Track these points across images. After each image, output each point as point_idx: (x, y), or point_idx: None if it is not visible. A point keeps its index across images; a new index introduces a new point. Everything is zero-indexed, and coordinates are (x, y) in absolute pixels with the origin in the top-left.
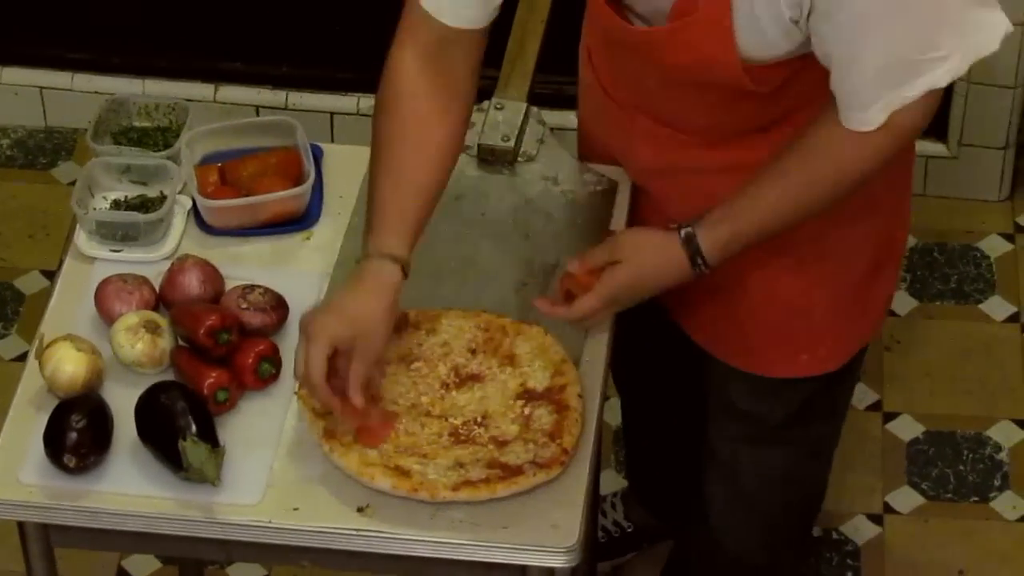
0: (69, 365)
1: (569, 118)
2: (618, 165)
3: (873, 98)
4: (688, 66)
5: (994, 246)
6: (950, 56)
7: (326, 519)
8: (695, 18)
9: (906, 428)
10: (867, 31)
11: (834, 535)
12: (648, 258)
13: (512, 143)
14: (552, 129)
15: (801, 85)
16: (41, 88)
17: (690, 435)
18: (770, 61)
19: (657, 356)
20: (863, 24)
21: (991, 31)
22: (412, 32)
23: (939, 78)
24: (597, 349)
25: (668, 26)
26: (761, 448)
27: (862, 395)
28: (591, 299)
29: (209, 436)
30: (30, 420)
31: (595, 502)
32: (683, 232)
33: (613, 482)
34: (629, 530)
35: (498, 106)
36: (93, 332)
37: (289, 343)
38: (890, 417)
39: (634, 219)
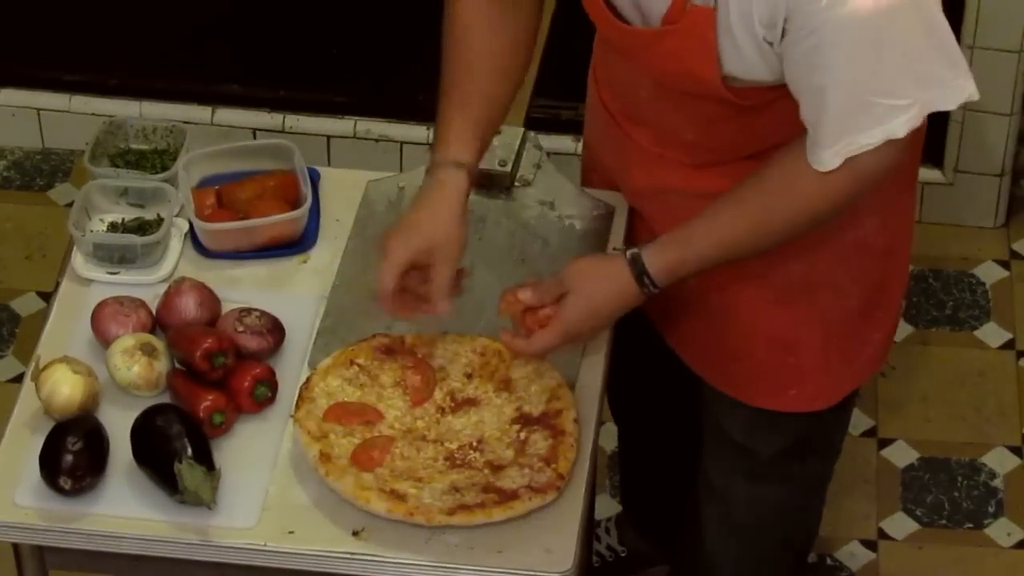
0: (65, 387)
1: (566, 143)
2: (618, 190)
3: (832, 139)
4: (673, 74)
5: (989, 273)
6: (911, 107)
7: (321, 543)
8: (680, 26)
9: (901, 454)
10: (835, 63)
11: (828, 561)
12: (596, 285)
13: (509, 168)
14: (549, 154)
15: (788, 114)
16: (39, 110)
17: (686, 463)
18: (750, 83)
19: (654, 383)
20: (832, 55)
21: (954, 93)
22: None
23: (897, 127)
24: (593, 374)
25: (655, 29)
26: (756, 482)
27: (857, 421)
28: (548, 335)
29: (205, 459)
30: (26, 442)
31: (590, 527)
32: (628, 254)
33: (608, 507)
34: (623, 555)
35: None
36: (89, 354)
37: (285, 366)
38: (885, 443)
39: (630, 243)
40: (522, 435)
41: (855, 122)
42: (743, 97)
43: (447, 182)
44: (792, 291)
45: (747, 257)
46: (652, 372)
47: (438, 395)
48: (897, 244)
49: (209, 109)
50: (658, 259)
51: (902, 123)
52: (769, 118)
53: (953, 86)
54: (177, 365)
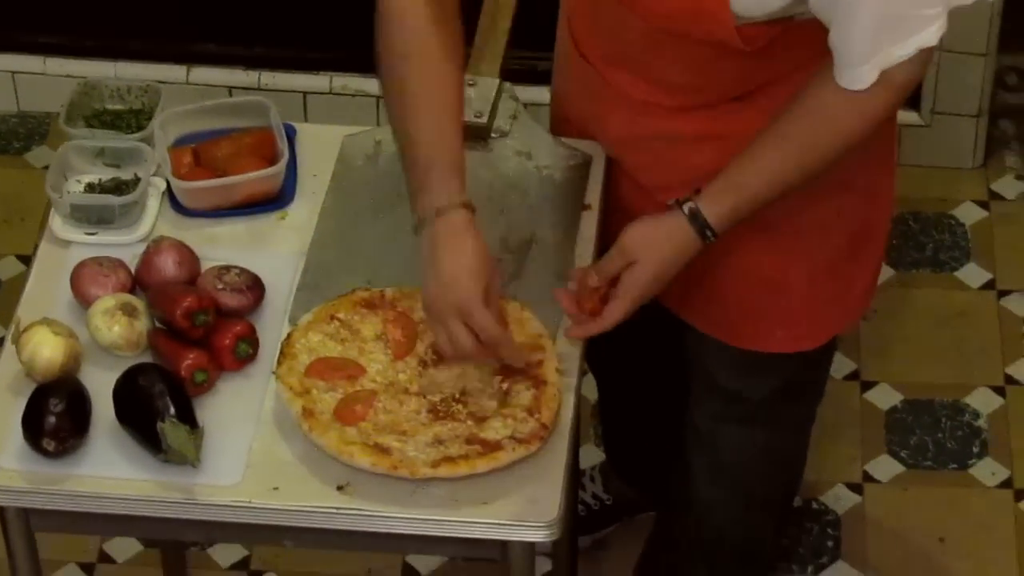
0: (46, 349)
1: (543, 93)
2: (591, 139)
3: (867, 55)
4: (676, 16)
5: (969, 214)
6: (940, 14)
7: (306, 498)
8: None
9: (884, 397)
10: None
11: (814, 505)
12: (662, 249)
13: (485, 119)
14: (525, 105)
15: (785, 50)
16: (13, 73)
17: (667, 409)
18: (762, 18)
19: (632, 331)
20: None
21: None
22: None
23: (930, 36)
24: None
25: None
26: (743, 426)
27: (840, 365)
28: (621, 305)
29: (188, 418)
30: (8, 405)
31: (575, 477)
32: (686, 208)
33: (593, 456)
34: (608, 503)
35: (471, 82)
36: (70, 316)
37: (266, 323)
38: (868, 386)
39: (608, 192)
40: (505, 386)
41: (890, 35)
42: (748, 41)
43: (457, 225)
44: (778, 233)
45: (794, 191)
46: (630, 321)
47: (420, 348)
48: (880, 185)
49: (184, 68)
50: (716, 209)
51: (934, 32)
52: (762, 58)
53: None
54: (158, 324)
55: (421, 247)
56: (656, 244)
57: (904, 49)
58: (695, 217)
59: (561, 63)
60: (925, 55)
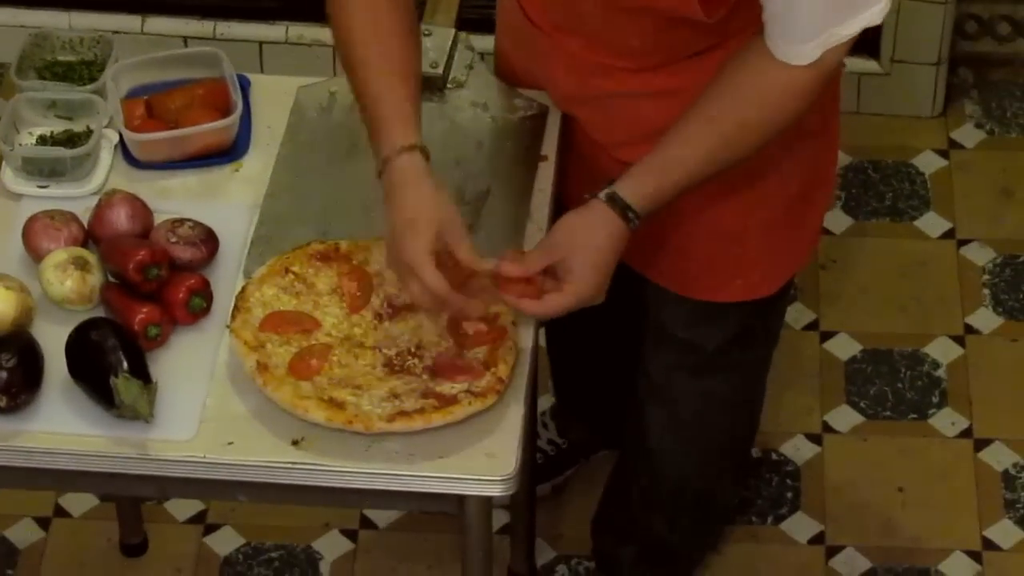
0: None
1: None
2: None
3: (813, 32)
4: None
5: (928, 162)
6: None
7: (261, 453)
8: None
9: (843, 347)
10: None
11: (773, 456)
12: (590, 235)
13: (441, 70)
14: (481, 55)
15: (743, 12)
16: None
17: (619, 352)
18: None
19: None
20: None
21: None
22: None
23: (875, 15)
24: None
25: None
26: (699, 376)
27: (799, 315)
28: (562, 298)
29: (141, 372)
30: None
31: (532, 430)
32: (604, 195)
33: (545, 402)
34: (564, 447)
35: (426, 32)
36: (21, 270)
37: (220, 276)
38: (827, 336)
39: (565, 143)
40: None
41: (837, 15)
42: (710, 11)
43: (411, 169)
44: (735, 182)
45: (726, 171)
46: None
47: (375, 301)
48: (829, 125)
49: (139, 18)
50: (637, 192)
51: (878, 11)
52: (720, 22)
53: None
54: (111, 278)
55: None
56: (585, 232)
57: (849, 28)
58: (614, 200)
59: (505, 22)
60: (857, 35)
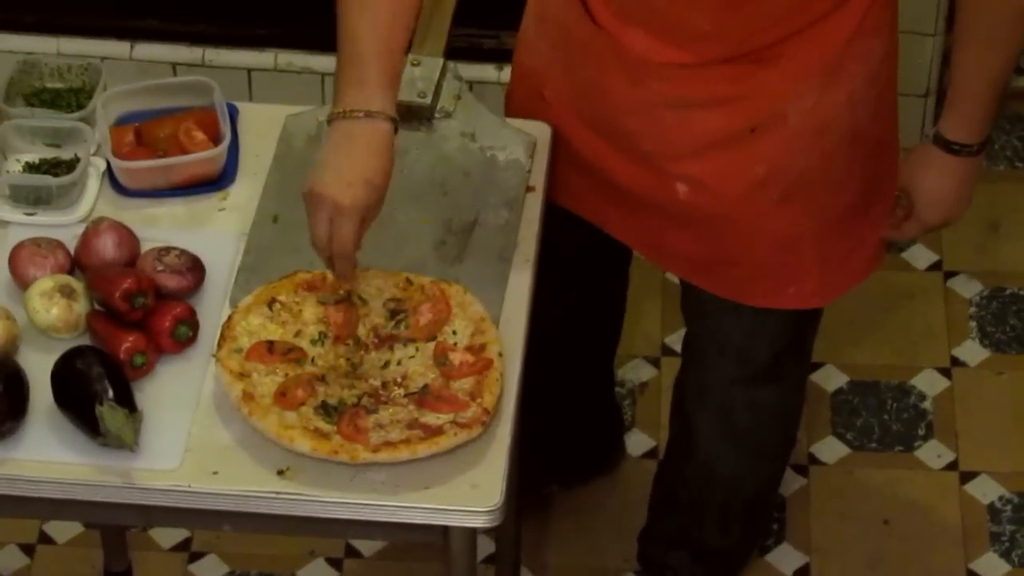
0: None
1: (487, 72)
2: (538, 120)
3: None
4: None
5: None
6: None
7: (246, 483)
8: None
9: (830, 378)
10: None
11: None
12: (933, 179)
13: (429, 100)
14: (470, 84)
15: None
16: None
17: (593, 366)
18: None
19: (580, 268)
20: None
21: None
22: None
23: None
24: (517, 306)
25: None
26: (754, 386)
27: None
28: (915, 226)
29: (126, 401)
30: None
31: (518, 461)
32: (931, 135)
33: None
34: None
35: (414, 62)
36: (7, 297)
37: (206, 305)
38: (814, 368)
39: (555, 172)
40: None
41: None
42: None
43: (379, 132)
44: (791, 190)
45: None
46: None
47: (361, 331)
48: (888, 138)
49: (128, 44)
50: (956, 123)
51: None
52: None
53: None
54: (96, 306)
55: (329, 135)
56: (923, 174)
57: None
58: (938, 140)
59: (537, 35)
60: None
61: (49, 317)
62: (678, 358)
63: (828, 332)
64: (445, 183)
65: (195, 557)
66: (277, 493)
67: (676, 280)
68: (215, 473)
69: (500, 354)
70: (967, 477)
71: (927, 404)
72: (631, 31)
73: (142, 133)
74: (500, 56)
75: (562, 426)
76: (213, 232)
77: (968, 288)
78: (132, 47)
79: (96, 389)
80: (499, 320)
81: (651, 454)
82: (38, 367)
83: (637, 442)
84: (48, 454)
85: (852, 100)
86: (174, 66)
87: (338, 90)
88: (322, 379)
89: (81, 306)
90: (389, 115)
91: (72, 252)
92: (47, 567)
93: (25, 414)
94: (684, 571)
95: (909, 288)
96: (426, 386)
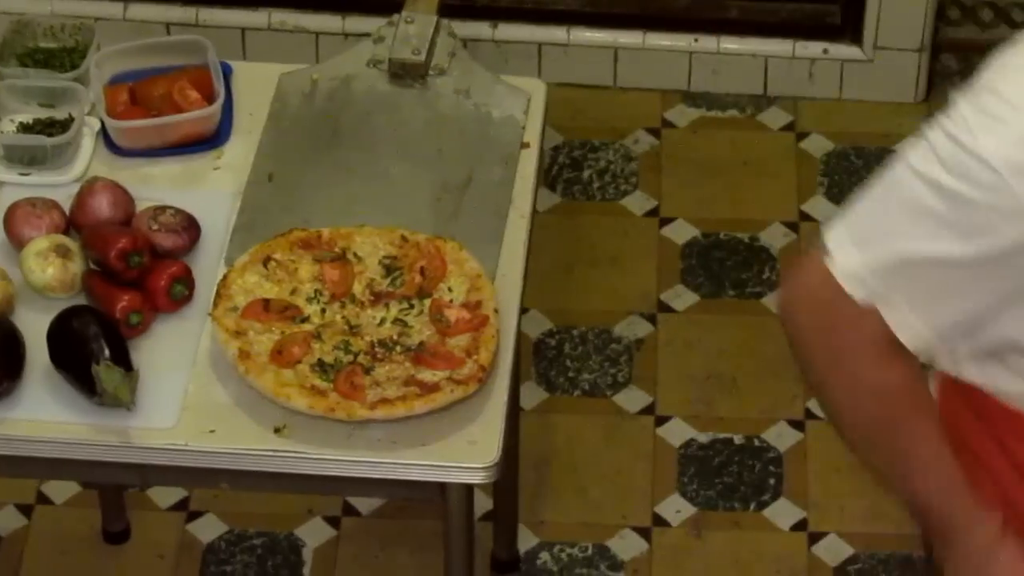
0: None
1: (481, 29)
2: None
3: None
4: None
5: None
6: None
7: (243, 441)
8: None
9: None
10: None
11: (756, 442)
12: None
13: (423, 57)
14: (464, 41)
15: None
16: None
17: None
18: None
19: None
20: None
21: None
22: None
23: None
24: (512, 263)
25: None
26: None
27: None
28: None
29: (122, 360)
30: None
31: (514, 417)
32: None
33: (533, 395)
34: None
35: (408, 20)
36: (3, 257)
37: (202, 264)
38: None
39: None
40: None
41: None
42: None
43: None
44: None
45: None
46: None
47: (357, 288)
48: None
49: (121, 4)
50: None
51: None
52: None
53: None
54: (92, 266)
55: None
56: None
57: None
58: None
59: None
60: None
61: (45, 277)
62: (673, 314)
63: None
64: (440, 140)
65: (193, 516)
66: (274, 451)
67: (671, 238)
68: (212, 431)
69: (496, 310)
70: None
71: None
72: None
73: (136, 92)
74: (494, 13)
75: None
76: (208, 191)
77: None
78: (126, 7)
79: (92, 348)
80: (495, 276)
81: (648, 410)
82: (34, 327)
83: (634, 399)
84: (45, 414)
85: None
86: (167, 26)
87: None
88: (318, 337)
89: (77, 266)
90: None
91: (67, 212)
92: (45, 527)
93: (21, 374)
94: None
95: None
96: (422, 343)
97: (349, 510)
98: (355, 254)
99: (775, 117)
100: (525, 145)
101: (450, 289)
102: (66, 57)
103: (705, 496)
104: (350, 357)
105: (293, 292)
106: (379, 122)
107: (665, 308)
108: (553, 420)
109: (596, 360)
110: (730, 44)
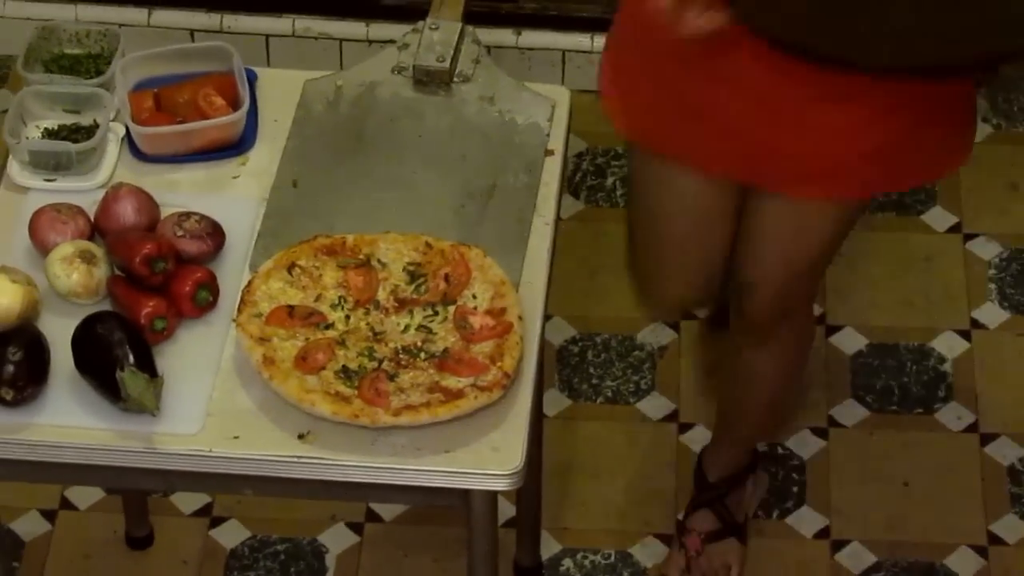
0: (4, 297)
1: (505, 36)
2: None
3: None
4: None
5: None
6: None
7: (267, 447)
8: None
9: (849, 341)
10: None
11: (779, 450)
12: None
13: (447, 64)
14: (488, 49)
15: None
16: None
17: None
18: None
19: None
20: None
21: None
22: None
23: None
24: (536, 270)
25: None
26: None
27: None
28: None
29: (147, 366)
30: None
31: (537, 424)
32: None
33: (557, 402)
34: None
35: (433, 26)
36: (28, 263)
37: (226, 270)
38: (833, 330)
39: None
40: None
41: None
42: None
43: None
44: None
45: None
46: None
47: (381, 295)
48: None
49: (146, 11)
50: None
51: None
52: None
53: None
54: (117, 272)
55: None
56: None
57: None
58: None
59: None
60: None
61: (70, 282)
62: (697, 321)
63: (847, 295)
64: (464, 147)
65: (216, 522)
66: (298, 457)
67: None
68: (236, 437)
69: (520, 317)
70: (987, 439)
71: (947, 366)
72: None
73: (161, 98)
74: (518, 21)
75: None
76: (232, 197)
77: (987, 250)
78: (150, 13)
79: (117, 354)
80: (519, 283)
81: (671, 417)
82: (59, 333)
83: (657, 406)
84: (69, 419)
85: None
86: (192, 32)
87: None
88: (342, 343)
89: (101, 271)
90: None
91: (92, 218)
92: (69, 533)
93: (46, 379)
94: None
95: (929, 250)
96: (446, 350)
97: (372, 516)
98: (379, 260)
99: None
100: (549, 152)
101: (474, 296)
102: (91, 63)
103: None
104: (374, 363)
105: (317, 298)
106: (403, 129)
107: (688, 315)
108: (576, 427)
109: (619, 367)
110: None
